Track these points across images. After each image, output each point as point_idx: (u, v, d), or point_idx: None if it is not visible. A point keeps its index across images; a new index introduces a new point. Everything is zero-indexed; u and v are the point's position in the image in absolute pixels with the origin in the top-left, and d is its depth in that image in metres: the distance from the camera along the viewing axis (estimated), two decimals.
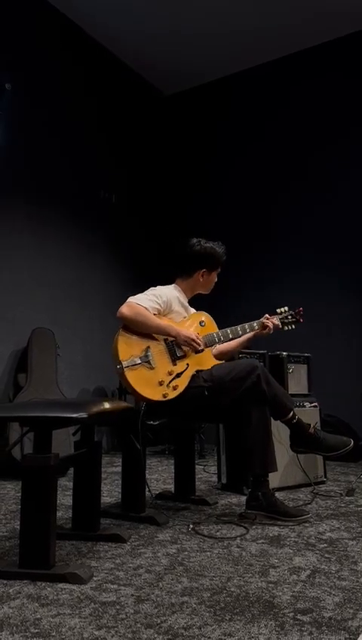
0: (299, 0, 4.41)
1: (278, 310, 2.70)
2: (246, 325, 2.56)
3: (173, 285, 2.58)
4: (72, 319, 4.41)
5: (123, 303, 2.33)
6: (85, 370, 4.48)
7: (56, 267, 4.31)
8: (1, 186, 3.90)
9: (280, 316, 2.67)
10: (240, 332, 2.54)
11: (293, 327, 2.70)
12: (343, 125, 4.79)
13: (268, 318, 2.61)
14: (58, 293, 4.30)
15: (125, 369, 2.20)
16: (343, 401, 4.30)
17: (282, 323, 2.67)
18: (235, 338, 2.57)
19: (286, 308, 2.71)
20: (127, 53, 5.16)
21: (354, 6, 4.44)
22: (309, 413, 3.06)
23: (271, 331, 2.59)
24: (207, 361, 2.45)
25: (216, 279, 2.65)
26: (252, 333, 2.60)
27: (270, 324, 2.58)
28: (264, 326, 2.58)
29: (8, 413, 1.78)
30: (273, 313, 2.68)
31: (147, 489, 2.33)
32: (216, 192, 5.47)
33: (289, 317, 2.69)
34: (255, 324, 2.58)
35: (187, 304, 2.58)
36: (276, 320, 2.62)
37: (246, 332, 2.55)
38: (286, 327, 2.69)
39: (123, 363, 2.21)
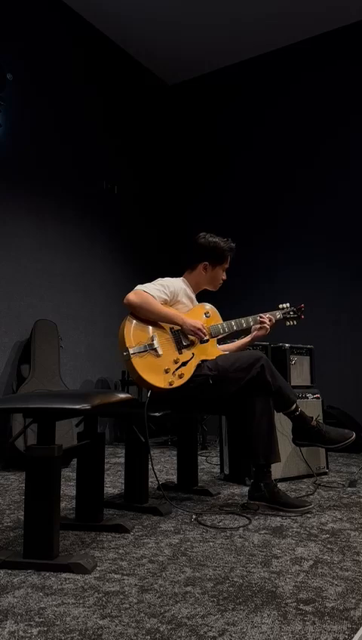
0: None
1: (280, 306, 2.70)
2: (251, 318, 2.56)
3: (181, 278, 2.59)
4: (75, 311, 4.41)
5: (129, 292, 2.35)
6: (88, 361, 4.49)
7: (58, 258, 4.30)
8: (4, 177, 3.88)
9: (283, 311, 2.67)
10: (244, 324, 2.54)
11: (295, 323, 2.70)
12: (348, 116, 4.74)
13: (261, 317, 2.56)
14: (61, 285, 4.30)
15: (132, 356, 2.21)
16: (345, 392, 4.31)
17: (284, 319, 2.67)
18: (239, 329, 2.56)
19: (288, 304, 2.71)
20: (130, 43, 5.10)
21: None
22: (311, 405, 3.06)
23: (268, 331, 2.56)
24: (212, 351, 2.46)
25: (225, 277, 2.63)
26: (249, 338, 2.61)
27: (267, 323, 2.54)
28: (261, 323, 2.55)
29: (12, 404, 1.79)
30: (275, 309, 2.68)
31: (156, 478, 2.33)
32: (218, 184, 5.44)
33: (291, 313, 2.69)
34: (257, 318, 2.57)
35: (193, 297, 2.58)
36: (267, 320, 2.56)
37: (249, 324, 2.55)
38: (288, 323, 2.69)
39: (129, 350, 2.22)
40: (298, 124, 5.00)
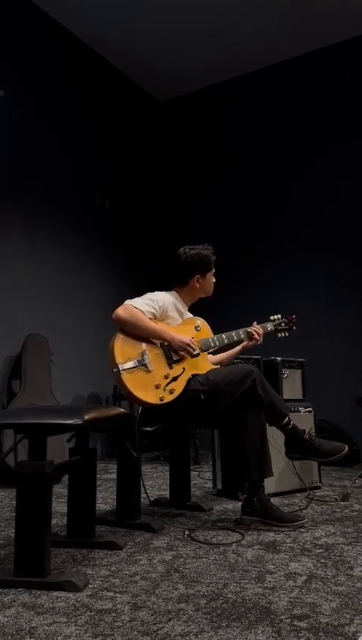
0: (298, 5, 4.45)
1: (271, 317, 2.71)
2: (241, 331, 2.56)
3: (170, 292, 2.57)
4: (66, 325, 4.40)
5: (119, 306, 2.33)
6: (79, 376, 4.47)
7: (50, 272, 4.30)
8: None
9: (274, 323, 2.68)
10: (235, 337, 2.54)
11: (286, 334, 2.71)
12: (342, 130, 4.81)
13: (250, 331, 2.57)
14: (52, 299, 4.29)
15: (122, 372, 2.20)
16: (337, 406, 4.31)
17: (276, 330, 2.68)
18: (230, 343, 2.56)
19: (279, 315, 2.72)
20: (122, 61, 5.18)
21: (354, 11, 4.48)
22: (304, 418, 3.06)
23: (259, 342, 2.57)
24: (203, 365, 2.45)
25: (214, 279, 2.63)
26: (239, 347, 2.62)
27: (256, 335, 2.55)
28: (251, 337, 2.56)
29: (2, 420, 1.77)
30: (266, 320, 2.68)
31: (146, 495, 2.32)
32: (213, 198, 5.48)
33: (283, 324, 2.70)
34: (246, 331, 2.58)
35: (184, 310, 2.58)
36: (255, 333, 2.57)
37: (240, 337, 2.55)
38: (279, 335, 2.70)
39: (120, 366, 2.20)
40: (298, 130, 5.05)
